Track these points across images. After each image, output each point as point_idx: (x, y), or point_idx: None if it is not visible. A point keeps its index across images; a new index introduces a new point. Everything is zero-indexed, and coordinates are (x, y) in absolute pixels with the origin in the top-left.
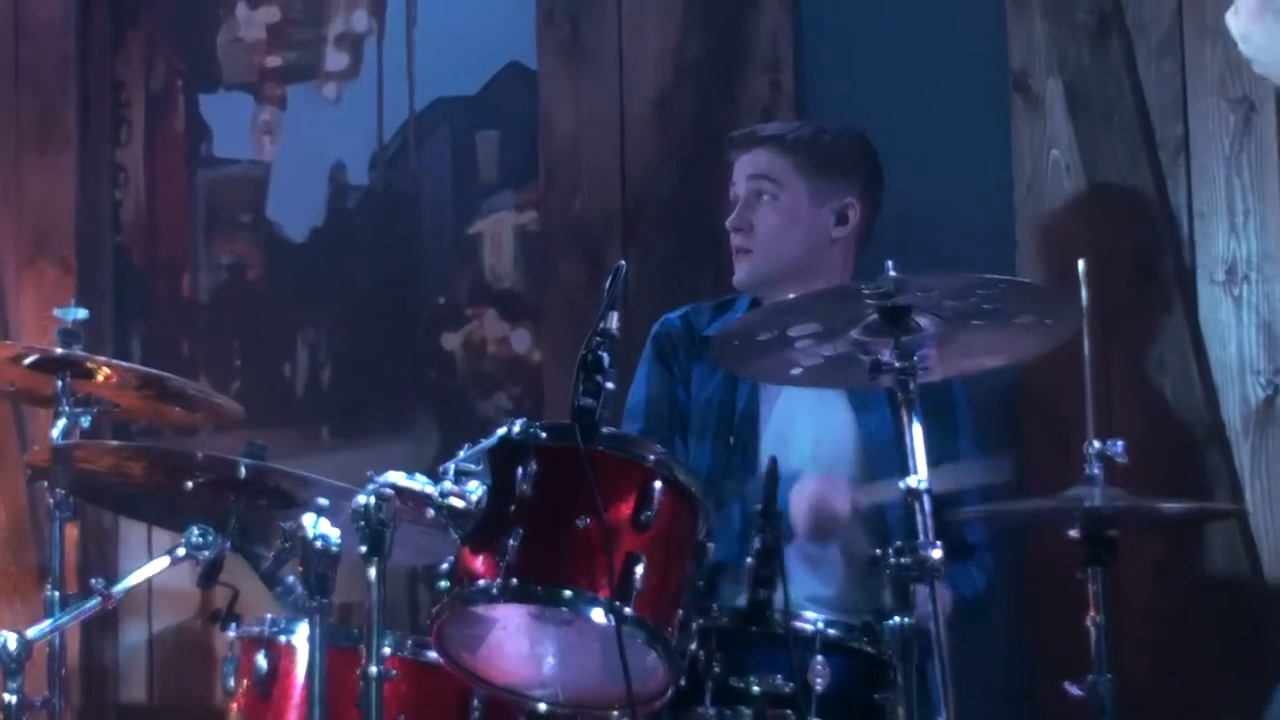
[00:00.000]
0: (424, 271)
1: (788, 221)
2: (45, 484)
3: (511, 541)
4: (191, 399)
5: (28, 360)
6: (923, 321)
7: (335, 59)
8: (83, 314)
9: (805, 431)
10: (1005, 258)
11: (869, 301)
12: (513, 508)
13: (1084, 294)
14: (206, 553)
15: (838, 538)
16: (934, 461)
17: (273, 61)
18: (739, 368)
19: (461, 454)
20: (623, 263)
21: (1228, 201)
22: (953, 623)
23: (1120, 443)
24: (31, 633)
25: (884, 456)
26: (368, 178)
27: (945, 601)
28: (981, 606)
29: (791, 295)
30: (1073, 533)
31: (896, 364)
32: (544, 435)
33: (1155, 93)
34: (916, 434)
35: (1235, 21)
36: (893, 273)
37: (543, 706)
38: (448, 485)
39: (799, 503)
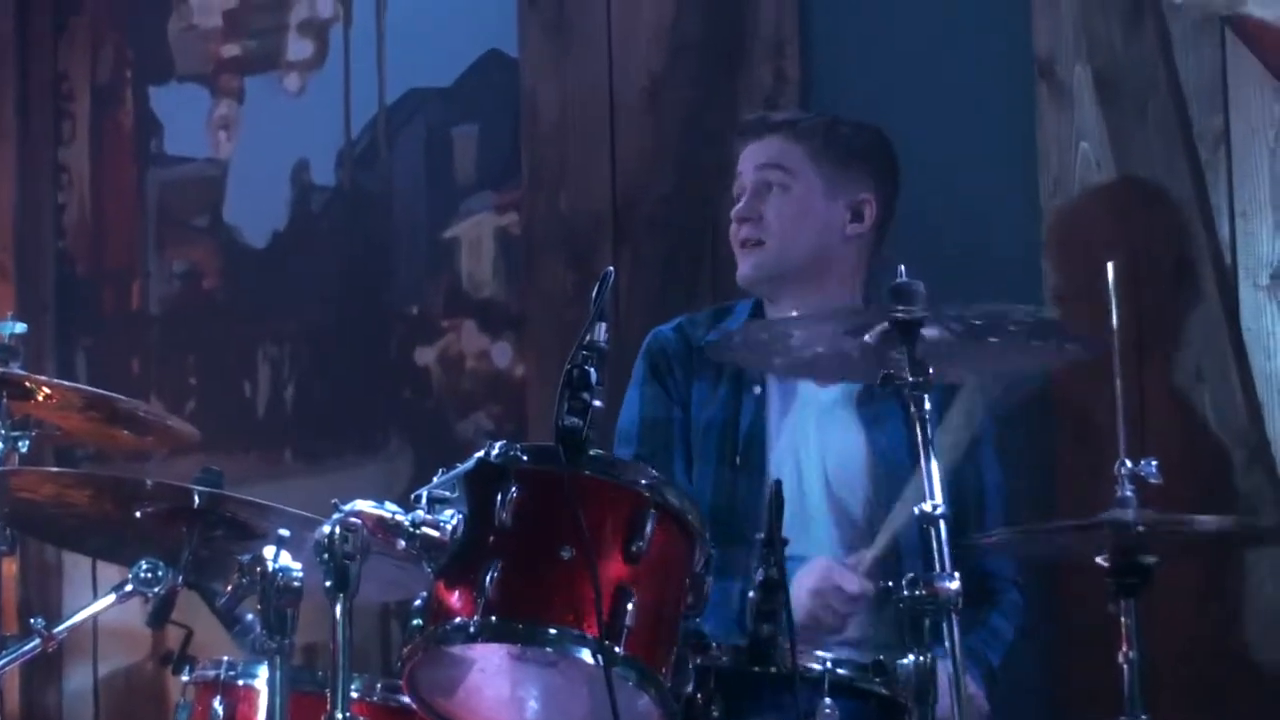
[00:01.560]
0: (396, 280)
1: (800, 213)
2: None
3: (490, 575)
4: (142, 421)
5: None
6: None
7: (298, 47)
8: (21, 328)
9: (815, 451)
10: (1030, 258)
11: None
12: (491, 538)
13: (1113, 301)
14: (157, 588)
15: (850, 626)
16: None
17: (230, 50)
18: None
19: (436, 479)
20: (611, 269)
21: (1273, 199)
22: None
23: (1154, 463)
24: None
25: (897, 476)
26: (334, 177)
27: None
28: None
29: (799, 297)
30: (1101, 559)
31: (910, 378)
32: (525, 458)
33: (1193, 80)
34: (932, 455)
35: None
36: (904, 278)
37: None
38: (420, 514)
39: (799, 595)
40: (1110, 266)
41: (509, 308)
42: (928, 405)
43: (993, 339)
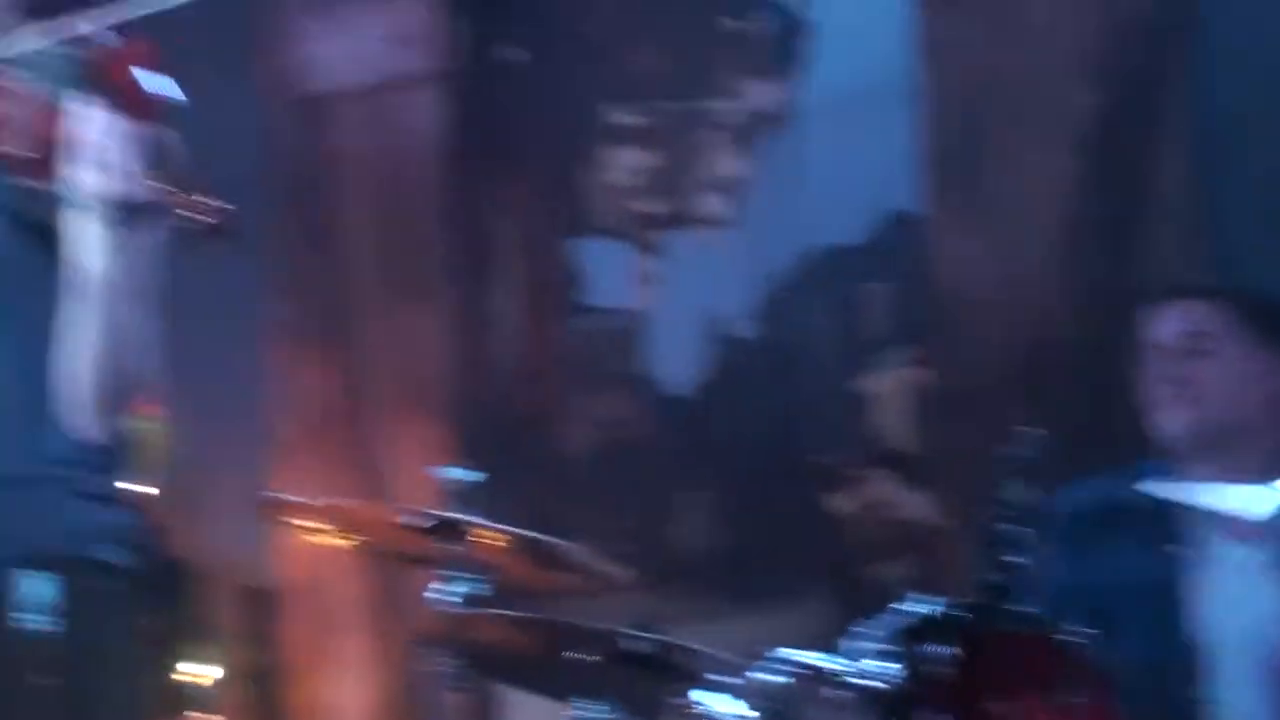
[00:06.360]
0: (809, 429)
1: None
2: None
3: None
4: (570, 562)
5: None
6: None
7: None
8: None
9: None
10: None
11: None
12: (934, 693)
13: None
14: None
15: None
16: None
17: (649, 206)
18: None
19: (869, 629)
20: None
21: None
22: None
23: None
24: None
25: None
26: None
27: None
28: None
29: None
30: None
31: None
32: (962, 614)
33: None
34: None
35: None
36: None
37: None
38: (868, 664)
39: None
40: None
41: (924, 459)
42: None
43: None
